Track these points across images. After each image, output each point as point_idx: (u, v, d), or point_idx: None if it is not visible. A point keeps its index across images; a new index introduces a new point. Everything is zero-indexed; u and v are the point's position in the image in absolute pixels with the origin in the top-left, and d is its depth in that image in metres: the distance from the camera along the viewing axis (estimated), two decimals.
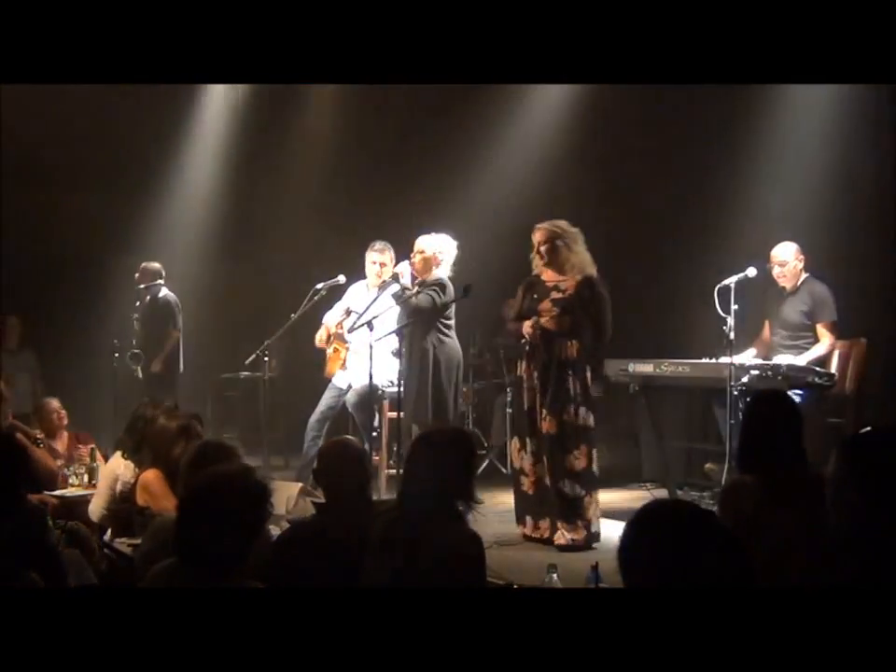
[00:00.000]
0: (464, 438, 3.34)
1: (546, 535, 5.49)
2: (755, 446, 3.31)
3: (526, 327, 5.51)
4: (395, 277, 6.26)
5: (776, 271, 6.08)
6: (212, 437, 4.40)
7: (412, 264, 6.24)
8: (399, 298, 6.11)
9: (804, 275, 6.13)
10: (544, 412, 5.46)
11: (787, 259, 6.09)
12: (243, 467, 3.22)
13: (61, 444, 6.37)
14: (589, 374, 5.49)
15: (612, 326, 5.51)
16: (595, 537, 5.43)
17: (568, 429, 5.41)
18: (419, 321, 6.05)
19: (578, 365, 5.45)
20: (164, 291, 8.27)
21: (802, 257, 6.11)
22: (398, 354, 6.23)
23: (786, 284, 6.14)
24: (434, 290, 6.05)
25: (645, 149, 7.55)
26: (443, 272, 6.19)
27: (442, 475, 3.11)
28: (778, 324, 6.21)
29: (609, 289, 5.56)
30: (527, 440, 5.57)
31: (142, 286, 8.20)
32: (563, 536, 5.39)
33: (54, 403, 6.50)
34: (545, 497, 5.48)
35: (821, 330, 6.01)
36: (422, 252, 6.18)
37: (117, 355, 7.85)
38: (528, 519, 5.57)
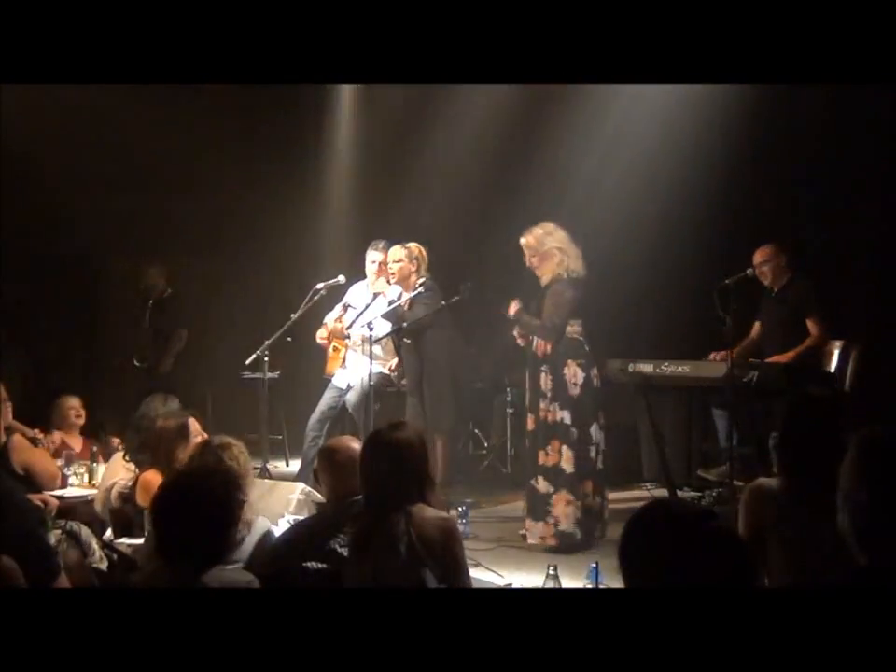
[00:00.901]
0: (408, 429, 3.40)
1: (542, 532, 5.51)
2: (801, 451, 3.21)
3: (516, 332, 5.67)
4: (375, 296, 6.35)
5: (759, 271, 6.11)
6: (215, 435, 4.36)
7: (391, 275, 6.28)
8: (392, 316, 6.14)
9: (788, 273, 6.18)
10: (527, 410, 5.58)
11: (767, 258, 6.15)
12: (205, 461, 3.28)
13: (74, 442, 6.32)
14: (574, 367, 5.47)
15: (556, 325, 5.46)
16: (568, 538, 5.32)
17: (541, 426, 5.47)
18: (420, 332, 6.09)
19: (550, 362, 5.48)
20: (169, 291, 8.28)
21: (783, 255, 6.16)
22: (395, 371, 6.28)
23: (771, 283, 6.19)
24: (426, 299, 6.09)
25: (644, 151, 7.55)
26: (423, 276, 6.24)
27: (397, 467, 3.19)
28: (768, 323, 6.26)
29: (581, 289, 5.58)
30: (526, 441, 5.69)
31: (148, 285, 8.18)
32: (532, 535, 5.42)
33: (73, 400, 6.41)
34: (527, 497, 5.55)
35: (811, 325, 6.06)
36: (399, 262, 6.23)
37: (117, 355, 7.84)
38: (527, 521, 5.57)
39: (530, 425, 5.55)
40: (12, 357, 8.11)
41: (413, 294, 6.20)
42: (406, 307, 6.18)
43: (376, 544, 3.13)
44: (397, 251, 6.29)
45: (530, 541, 5.41)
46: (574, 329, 5.54)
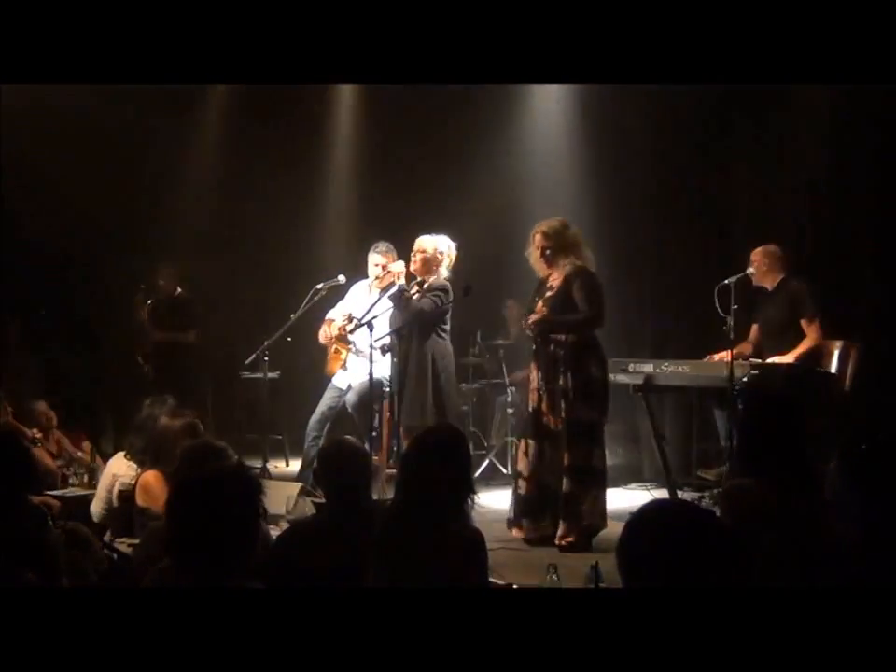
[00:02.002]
0: (457, 435, 3.40)
1: (548, 532, 5.49)
2: (755, 448, 3.29)
3: (523, 325, 5.62)
4: (384, 291, 6.29)
5: (755, 272, 6.10)
6: (202, 439, 4.38)
7: (412, 263, 6.23)
8: (397, 300, 6.08)
9: (782, 274, 6.17)
10: (547, 410, 5.52)
11: (760, 258, 6.16)
12: (232, 465, 3.22)
13: (53, 445, 6.38)
14: (595, 366, 5.48)
15: (607, 311, 5.52)
16: (593, 530, 5.42)
17: (564, 426, 5.45)
18: (419, 325, 6.03)
19: (570, 361, 5.46)
20: (179, 290, 8.27)
21: (776, 256, 6.17)
22: (387, 351, 6.22)
23: (766, 284, 6.18)
24: (437, 295, 6.04)
25: (645, 149, 7.55)
26: (443, 273, 6.19)
27: (439, 474, 3.15)
28: (764, 323, 6.26)
29: (603, 280, 5.60)
30: (529, 441, 5.60)
31: (158, 285, 8.15)
32: (562, 537, 5.41)
33: (42, 405, 6.51)
34: (545, 497, 5.50)
35: (805, 326, 6.05)
36: (423, 252, 6.16)
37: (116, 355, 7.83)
38: (525, 521, 5.56)
39: (552, 425, 5.50)
40: (20, 358, 8.13)
41: (426, 286, 6.14)
42: (416, 297, 6.11)
43: (404, 550, 3.09)
44: (425, 241, 6.22)
45: (559, 543, 5.39)
46: None
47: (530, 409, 5.66)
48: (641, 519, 1.90)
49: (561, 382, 5.46)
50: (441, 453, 3.21)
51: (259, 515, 2.72)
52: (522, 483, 5.60)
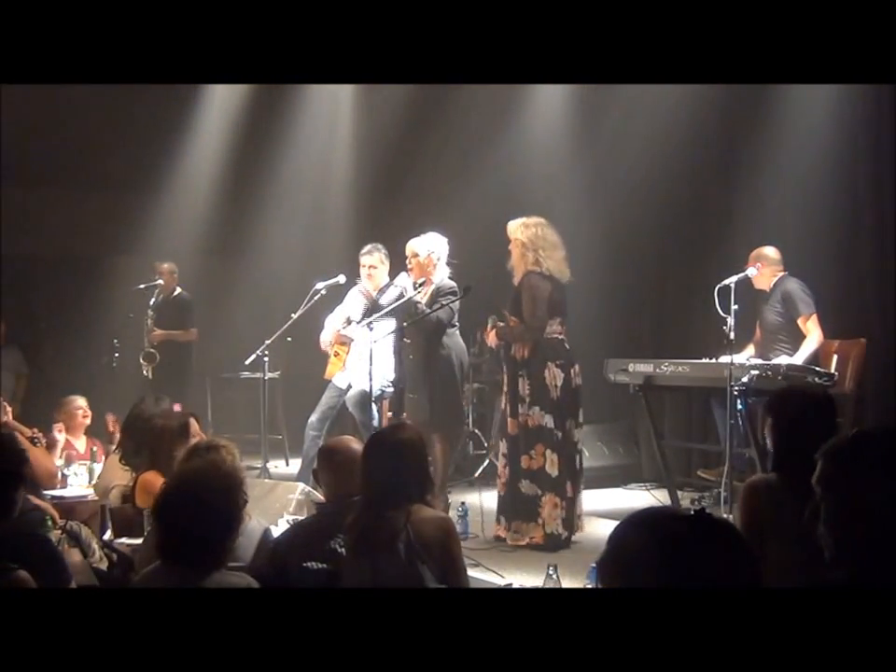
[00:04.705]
0: (410, 431, 3.49)
1: (503, 534, 5.53)
2: (792, 445, 3.19)
3: (489, 336, 5.68)
4: (400, 295, 6.29)
5: (751, 273, 6.10)
6: (204, 437, 4.40)
7: (408, 270, 6.24)
8: (413, 316, 6.04)
9: (778, 275, 6.16)
10: (508, 413, 5.57)
11: (756, 260, 6.15)
12: (210, 460, 3.28)
13: (79, 443, 6.31)
14: (554, 369, 5.46)
15: (538, 317, 5.49)
16: (555, 539, 5.37)
17: (523, 430, 5.47)
18: (436, 331, 6.05)
19: (530, 365, 5.48)
20: (178, 290, 8.26)
21: (772, 257, 6.16)
22: (397, 352, 6.23)
23: (762, 287, 6.17)
24: (449, 299, 6.05)
25: (645, 150, 7.55)
26: (441, 272, 6.19)
27: (398, 468, 3.25)
28: (763, 324, 6.26)
29: (560, 289, 5.62)
30: (501, 442, 5.70)
31: (158, 282, 8.14)
32: (520, 537, 5.43)
33: (80, 401, 6.41)
34: (515, 499, 5.54)
35: (802, 326, 6.03)
36: (416, 256, 6.17)
37: (117, 355, 7.82)
38: (502, 519, 5.60)
39: (512, 429, 5.53)
40: (4, 355, 8.12)
41: (433, 288, 6.13)
42: (424, 302, 6.10)
43: (375, 544, 3.16)
44: (416, 244, 6.21)
45: (517, 543, 5.42)
46: (553, 328, 5.54)
47: (501, 410, 5.73)
48: (624, 533, 1.91)
49: (521, 386, 5.49)
50: (393, 453, 3.29)
51: (239, 509, 2.78)
52: (498, 483, 5.66)
